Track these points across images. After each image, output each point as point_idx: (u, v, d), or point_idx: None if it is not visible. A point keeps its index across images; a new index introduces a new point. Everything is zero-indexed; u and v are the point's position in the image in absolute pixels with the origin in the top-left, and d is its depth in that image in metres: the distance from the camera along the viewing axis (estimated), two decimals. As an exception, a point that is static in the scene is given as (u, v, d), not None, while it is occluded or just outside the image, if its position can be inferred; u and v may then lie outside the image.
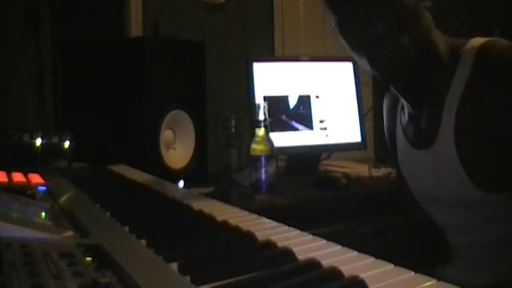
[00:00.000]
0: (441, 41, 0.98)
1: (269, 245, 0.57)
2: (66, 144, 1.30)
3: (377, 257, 0.53)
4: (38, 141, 1.28)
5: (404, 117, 1.12)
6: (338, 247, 0.57)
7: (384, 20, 0.91)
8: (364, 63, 0.99)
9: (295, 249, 0.54)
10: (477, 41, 0.95)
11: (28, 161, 1.28)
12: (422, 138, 1.04)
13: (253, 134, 1.47)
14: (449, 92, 0.95)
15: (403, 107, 1.13)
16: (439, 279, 0.46)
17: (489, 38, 0.95)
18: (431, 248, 1.21)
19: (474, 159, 0.95)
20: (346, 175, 1.66)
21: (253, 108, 1.71)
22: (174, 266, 0.50)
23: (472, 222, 1.03)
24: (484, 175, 0.96)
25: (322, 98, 1.91)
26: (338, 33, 1.00)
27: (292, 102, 1.87)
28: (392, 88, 1.08)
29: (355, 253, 0.55)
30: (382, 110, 1.27)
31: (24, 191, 0.80)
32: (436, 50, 0.96)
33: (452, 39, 1.00)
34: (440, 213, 1.11)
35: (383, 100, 1.27)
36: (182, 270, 0.48)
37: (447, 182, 1.00)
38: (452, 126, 0.95)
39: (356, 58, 1.00)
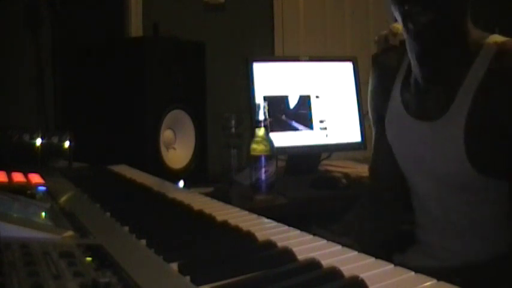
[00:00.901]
0: (472, 27, 1.03)
1: (269, 245, 0.57)
2: (66, 144, 1.30)
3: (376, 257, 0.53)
4: (38, 141, 1.28)
5: (408, 88, 1.13)
6: (338, 247, 0.57)
7: None
8: (399, 20, 1.01)
9: (295, 249, 0.54)
10: (498, 38, 1.00)
11: (28, 161, 1.28)
12: (426, 110, 1.07)
13: (253, 134, 1.47)
14: (466, 78, 0.99)
15: (406, 77, 1.14)
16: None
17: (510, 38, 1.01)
18: (393, 227, 1.24)
19: (478, 143, 0.98)
20: (346, 175, 1.66)
21: (253, 108, 1.71)
22: (174, 266, 0.50)
23: (455, 198, 1.06)
24: (483, 158, 0.99)
25: (322, 98, 1.91)
26: None
27: (292, 102, 1.87)
28: (413, 56, 1.09)
29: (355, 253, 0.55)
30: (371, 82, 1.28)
31: (24, 191, 0.81)
32: (464, 33, 1.01)
33: (477, 30, 1.04)
34: (424, 184, 1.13)
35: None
36: (182, 270, 0.48)
37: (444, 156, 1.03)
38: (466, 110, 0.98)
39: (395, 14, 1.02)
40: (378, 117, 1.24)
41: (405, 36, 1.05)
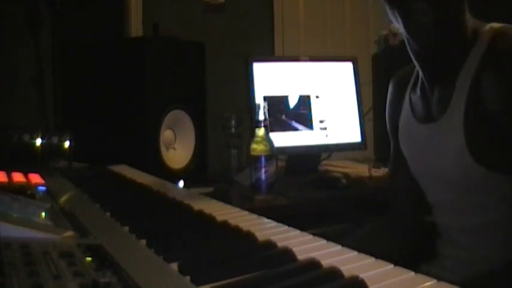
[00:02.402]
0: (469, 21, 1.01)
1: (269, 245, 0.57)
2: (66, 144, 1.30)
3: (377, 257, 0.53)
4: (38, 141, 1.28)
5: (415, 94, 1.13)
6: (338, 247, 0.57)
7: None
8: (400, 27, 1.00)
9: (295, 249, 0.54)
10: (495, 25, 0.98)
11: (28, 161, 1.28)
12: (431, 113, 1.06)
13: (253, 134, 1.47)
14: (462, 69, 0.98)
15: (415, 83, 1.14)
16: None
17: (507, 24, 0.98)
18: (416, 241, 1.22)
19: (478, 136, 0.96)
20: (346, 175, 1.66)
21: (253, 108, 1.71)
22: (174, 266, 0.50)
23: (466, 201, 1.03)
24: (486, 152, 0.96)
25: (322, 98, 1.91)
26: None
27: (292, 102, 1.87)
28: (413, 56, 1.08)
29: (355, 253, 0.55)
30: (385, 104, 1.28)
31: (24, 191, 0.81)
32: (463, 29, 0.99)
33: (475, 21, 1.02)
34: (434, 190, 1.11)
35: (383, 100, 1.28)
36: (182, 270, 0.48)
37: (449, 156, 1.01)
38: (463, 102, 0.96)
39: (394, 21, 1.02)
40: (393, 129, 1.23)
41: (405, 36, 1.04)
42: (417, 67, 1.09)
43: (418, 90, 1.12)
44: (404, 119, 1.16)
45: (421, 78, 1.10)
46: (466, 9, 1.00)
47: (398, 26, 1.01)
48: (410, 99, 1.15)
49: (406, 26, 0.99)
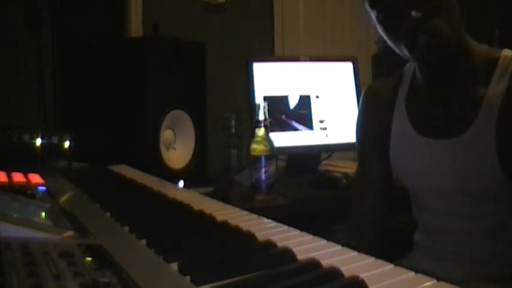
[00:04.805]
0: (470, 40, 1.06)
1: (269, 245, 0.57)
2: (66, 144, 1.30)
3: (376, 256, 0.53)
4: (38, 141, 1.28)
5: (416, 109, 1.13)
6: (338, 247, 0.57)
7: (422, 4, 0.98)
8: (405, 54, 1.05)
9: (295, 249, 0.54)
10: (509, 52, 1.04)
11: (28, 161, 1.28)
12: (447, 129, 1.06)
13: (253, 134, 1.47)
14: (488, 92, 1.02)
15: (409, 99, 1.14)
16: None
17: None
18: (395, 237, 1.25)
19: (510, 149, 0.99)
20: (346, 175, 1.66)
21: (253, 108, 1.71)
22: (174, 266, 0.50)
23: (476, 209, 1.05)
24: None
25: (322, 98, 1.91)
26: (378, 28, 1.06)
27: (292, 102, 1.87)
28: (420, 76, 1.11)
29: (355, 253, 0.55)
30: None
31: (24, 191, 0.80)
32: (467, 46, 1.05)
33: (486, 46, 1.08)
34: (440, 200, 1.11)
35: None
36: (182, 270, 0.48)
37: (475, 170, 1.02)
38: (494, 120, 1.00)
39: (398, 51, 1.06)
40: (369, 140, 1.24)
41: (411, 59, 1.07)
42: (420, 82, 1.12)
43: (420, 106, 1.12)
44: (400, 134, 1.15)
45: (424, 92, 1.12)
46: (462, 26, 1.04)
47: (405, 55, 1.05)
48: (407, 112, 1.14)
49: (413, 54, 1.02)
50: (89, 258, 0.50)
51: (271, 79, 1.85)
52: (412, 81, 1.15)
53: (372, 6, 1.05)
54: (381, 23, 1.04)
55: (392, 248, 1.16)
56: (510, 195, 1.02)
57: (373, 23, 1.08)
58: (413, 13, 0.97)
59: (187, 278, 0.47)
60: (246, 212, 0.77)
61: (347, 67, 1.98)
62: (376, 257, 0.52)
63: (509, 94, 1.00)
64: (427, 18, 0.97)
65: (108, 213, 0.74)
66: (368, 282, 0.45)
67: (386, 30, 1.04)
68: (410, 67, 1.17)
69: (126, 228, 0.65)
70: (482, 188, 1.03)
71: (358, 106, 1.32)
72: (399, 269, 0.49)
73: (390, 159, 1.17)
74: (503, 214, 1.04)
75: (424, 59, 1.04)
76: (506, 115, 1.00)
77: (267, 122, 1.46)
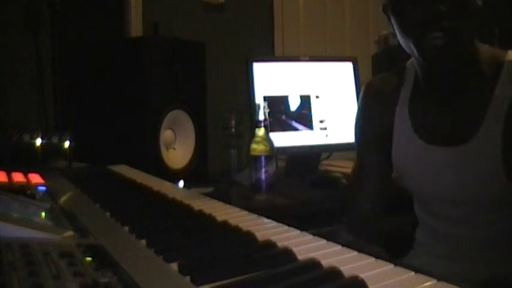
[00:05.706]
0: (479, 44, 1.01)
1: (269, 245, 0.57)
2: (66, 144, 1.30)
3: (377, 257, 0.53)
4: (38, 141, 1.28)
5: (417, 112, 1.10)
6: (338, 247, 0.57)
7: None
8: (408, 47, 0.98)
9: (295, 249, 0.54)
10: None
11: (28, 161, 1.28)
12: (452, 137, 1.04)
13: (253, 134, 1.47)
14: (493, 97, 0.98)
15: (412, 103, 1.11)
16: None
17: None
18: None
19: None
20: (346, 175, 1.66)
21: (253, 108, 1.71)
22: (174, 266, 0.50)
23: (479, 216, 1.04)
24: None
25: (322, 98, 1.91)
26: (390, 11, 0.98)
27: (292, 102, 1.86)
28: (424, 77, 1.07)
29: (355, 253, 0.55)
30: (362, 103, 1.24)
31: (24, 191, 0.80)
32: (476, 52, 1.00)
33: (490, 47, 1.03)
34: (440, 207, 1.10)
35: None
36: (182, 270, 0.48)
37: (481, 177, 1.00)
38: (500, 127, 0.96)
39: (404, 46, 0.99)
40: (373, 140, 1.20)
41: (417, 58, 1.02)
42: (423, 84, 1.08)
43: (424, 112, 1.09)
44: (402, 136, 1.12)
45: (428, 96, 1.09)
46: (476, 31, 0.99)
47: (407, 48, 1.00)
48: (410, 117, 1.10)
49: (422, 54, 0.97)
50: (89, 258, 0.50)
51: (271, 79, 1.85)
52: (415, 81, 1.11)
53: None
54: (398, 5, 0.95)
55: (393, 247, 1.17)
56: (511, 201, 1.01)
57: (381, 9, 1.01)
58: (438, 3, 0.87)
59: (187, 278, 0.47)
60: (246, 212, 0.77)
61: (347, 67, 1.98)
62: (377, 257, 0.52)
63: None
64: (452, 15, 0.89)
65: (108, 213, 0.74)
66: (368, 282, 0.45)
67: (399, 15, 0.95)
68: (413, 64, 1.11)
69: (126, 228, 0.65)
70: (487, 196, 1.02)
71: (358, 102, 1.27)
72: (399, 269, 0.49)
73: (392, 158, 1.15)
74: (507, 221, 1.03)
75: (433, 61, 0.97)
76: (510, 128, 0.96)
77: (267, 122, 1.46)
